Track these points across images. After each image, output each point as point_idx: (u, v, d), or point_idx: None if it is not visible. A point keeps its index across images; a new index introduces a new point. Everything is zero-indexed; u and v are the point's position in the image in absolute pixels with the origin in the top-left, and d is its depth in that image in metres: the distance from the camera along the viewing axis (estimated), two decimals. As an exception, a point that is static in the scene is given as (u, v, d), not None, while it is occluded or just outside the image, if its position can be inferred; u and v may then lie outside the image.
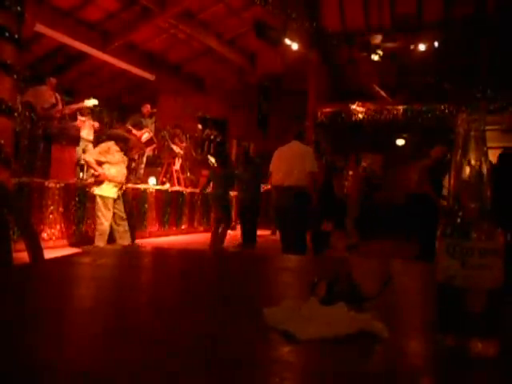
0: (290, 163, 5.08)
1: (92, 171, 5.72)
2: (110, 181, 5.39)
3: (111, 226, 5.51)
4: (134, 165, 8.48)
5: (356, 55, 10.53)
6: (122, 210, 5.55)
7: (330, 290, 0.70)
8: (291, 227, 5.09)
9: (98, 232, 5.44)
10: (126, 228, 5.57)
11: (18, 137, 6.09)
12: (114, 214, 5.48)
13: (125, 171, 5.61)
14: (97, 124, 8.39)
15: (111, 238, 5.65)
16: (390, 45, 10.01)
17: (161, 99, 11.25)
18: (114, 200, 5.45)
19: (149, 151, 9.18)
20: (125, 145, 5.65)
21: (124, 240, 5.48)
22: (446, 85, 9.22)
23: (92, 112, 8.47)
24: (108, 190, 5.40)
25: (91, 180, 5.77)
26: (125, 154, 5.66)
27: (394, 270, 1.22)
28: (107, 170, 5.39)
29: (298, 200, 4.95)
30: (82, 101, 7.57)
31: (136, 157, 8.68)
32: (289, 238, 5.11)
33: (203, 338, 0.58)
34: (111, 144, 5.60)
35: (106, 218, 5.38)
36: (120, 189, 5.54)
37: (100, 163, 5.39)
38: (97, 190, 5.41)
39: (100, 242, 5.39)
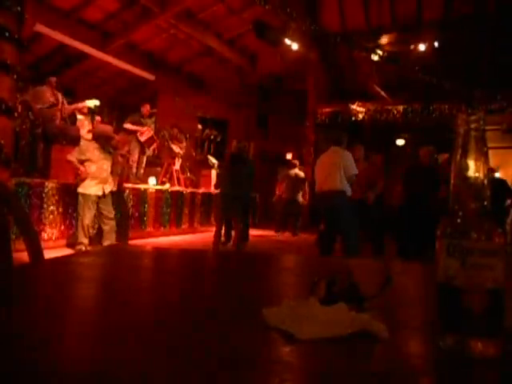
0: (327, 169, 5.25)
1: (76, 170, 5.87)
2: (91, 178, 5.51)
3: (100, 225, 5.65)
4: (131, 161, 8.45)
5: (356, 55, 10.53)
6: (110, 209, 5.63)
7: (330, 289, 0.70)
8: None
9: (80, 229, 5.56)
10: (113, 228, 5.65)
11: (18, 137, 6.08)
12: (101, 213, 5.57)
13: (107, 168, 5.65)
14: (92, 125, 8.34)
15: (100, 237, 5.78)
16: (390, 46, 10.01)
17: (161, 99, 11.25)
18: (99, 198, 5.53)
19: (149, 151, 9.18)
20: (107, 142, 5.73)
21: (108, 240, 5.58)
22: (446, 85, 9.22)
23: (91, 112, 8.45)
24: (90, 188, 5.52)
25: (76, 179, 5.88)
26: (108, 151, 5.71)
27: (394, 270, 1.22)
28: (88, 168, 5.53)
29: (338, 203, 5.11)
30: (83, 101, 7.57)
31: (137, 155, 8.66)
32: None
33: (203, 338, 0.58)
34: (91, 142, 5.78)
35: (86, 215, 5.50)
36: (105, 184, 5.59)
37: (82, 161, 5.56)
38: (79, 188, 5.56)
39: (83, 239, 5.50)
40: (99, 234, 5.79)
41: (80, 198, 5.55)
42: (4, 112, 4.37)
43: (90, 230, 5.66)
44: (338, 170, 5.09)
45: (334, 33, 10.07)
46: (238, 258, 1.55)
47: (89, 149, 5.64)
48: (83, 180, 5.55)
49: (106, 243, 5.52)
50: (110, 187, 5.69)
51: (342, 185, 5.04)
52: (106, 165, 5.65)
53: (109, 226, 5.61)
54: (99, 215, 5.63)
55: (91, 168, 5.53)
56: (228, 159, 6.99)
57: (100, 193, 5.56)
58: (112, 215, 5.66)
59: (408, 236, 5.78)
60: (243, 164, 6.73)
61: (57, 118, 6.92)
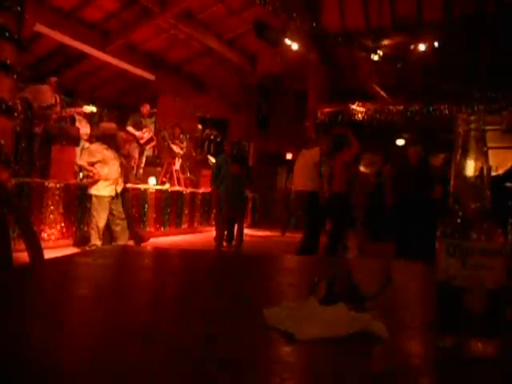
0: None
1: (87, 173, 5.83)
2: (104, 179, 5.48)
3: (110, 226, 5.57)
4: (133, 162, 8.45)
5: (356, 55, 10.53)
6: (120, 209, 5.60)
7: (330, 289, 0.70)
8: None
9: (93, 231, 5.52)
10: (125, 228, 5.62)
11: (17, 137, 6.08)
12: (112, 214, 5.54)
13: (118, 168, 5.62)
14: (88, 129, 8.26)
15: (110, 238, 5.73)
16: (390, 46, 10.01)
17: (161, 99, 11.26)
18: (112, 198, 5.51)
19: (148, 149, 9.17)
20: (112, 141, 5.69)
21: (121, 240, 5.54)
22: (446, 85, 9.21)
23: (88, 114, 8.43)
24: (103, 189, 5.48)
25: (86, 181, 5.85)
26: (116, 150, 5.69)
27: (394, 270, 1.22)
28: (101, 169, 5.48)
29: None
30: (81, 106, 7.57)
31: (136, 155, 8.67)
32: None
33: (203, 338, 0.58)
34: (98, 144, 5.74)
35: (100, 217, 5.45)
36: (117, 185, 5.57)
37: (92, 164, 5.51)
38: (92, 190, 5.51)
39: (96, 241, 5.48)
40: (109, 235, 5.74)
41: (94, 199, 5.47)
42: (4, 112, 4.37)
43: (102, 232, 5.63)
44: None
45: (334, 33, 10.07)
46: (237, 258, 1.55)
47: (98, 150, 5.58)
48: (95, 182, 5.48)
49: (120, 243, 5.50)
50: (120, 187, 5.66)
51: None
52: (116, 165, 5.60)
53: (120, 227, 5.55)
54: (111, 216, 5.58)
55: (104, 169, 5.46)
56: (227, 158, 6.99)
57: (113, 193, 5.50)
58: (123, 215, 5.60)
59: (403, 235, 5.80)
60: (243, 163, 6.78)
61: (52, 119, 6.92)
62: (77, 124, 7.73)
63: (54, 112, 6.93)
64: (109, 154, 5.55)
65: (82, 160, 5.65)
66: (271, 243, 8.59)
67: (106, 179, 5.47)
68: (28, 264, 1.21)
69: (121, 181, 5.67)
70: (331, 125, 10.89)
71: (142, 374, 0.47)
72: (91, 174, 5.55)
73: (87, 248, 5.51)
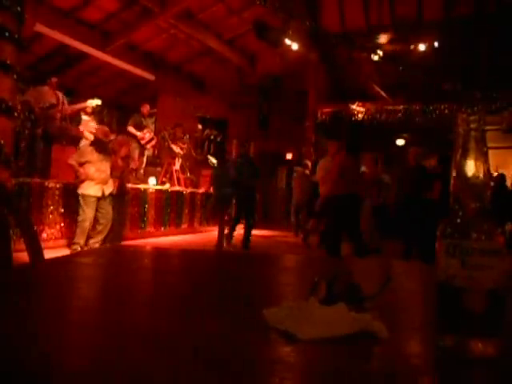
0: None
1: (76, 172, 5.95)
2: (90, 179, 5.58)
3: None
4: (132, 164, 8.44)
5: (356, 55, 10.52)
6: (108, 210, 5.68)
7: (330, 289, 0.70)
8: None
9: (78, 229, 5.62)
10: (105, 229, 5.72)
11: (18, 137, 6.09)
12: (98, 213, 5.63)
13: (105, 169, 5.71)
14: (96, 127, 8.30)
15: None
16: (390, 46, 10.01)
17: (161, 99, 11.25)
18: (99, 199, 5.58)
19: (149, 149, 9.17)
20: (104, 145, 5.85)
21: (95, 239, 5.67)
22: (446, 85, 9.21)
23: (94, 113, 8.44)
24: (89, 188, 5.59)
25: (75, 180, 5.95)
26: (107, 153, 5.77)
27: (394, 270, 1.22)
28: (87, 169, 5.61)
29: None
30: (85, 101, 7.57)
31: (136, 155, 8.66)
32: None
33: (203, 338, 0.58)
34: (89, 145, 5.93)
35: (86, 215, 5.56)
36: (104, 185, 5.64)
37: (81, 164, 5.64)
38: (79, 189, 5.64)
39: (80, 239, 5.58)
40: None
41: (80, 198, 5.61)
42: (4, 112, 4.37)
43: (88, 231, 5.69)
44: None
45: (334, 33, 10.07)
46: (238, 258, 1.55)
47: (87, 151, 5.75)
48: (82, 181, 5.61)
49: (91, 241, 5.60)
50: (109, 189, 5.72)
51: None
52: (105, 166, 5.70)
53: (102, 227, 5.69)
54: (98, 214, 5.69)
55: (90, 169, 5.60)
56: (236, 159, 7.03)
57: (99, 194, 5.60)
58: (109, 217, 5.70)
59: (406, 235, 5.81)
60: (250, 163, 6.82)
61: (57, 119, 6.92)
62: (83, 125, 7.70)
63: (57, 111, 6.93)
64: (97, 155, 5.67)
65: (72, 160, 5.78)
66: (271, 243, 8.59)
67: (92, 179, 5.58)
68: (28, 264, 1.21)
69: (110, 182, 5.74)
70: (331, 127, 10.90)
71: (142, 375, 0.47)
72: (78, 173, 5.69)
73: (72, 246, 5.57)
